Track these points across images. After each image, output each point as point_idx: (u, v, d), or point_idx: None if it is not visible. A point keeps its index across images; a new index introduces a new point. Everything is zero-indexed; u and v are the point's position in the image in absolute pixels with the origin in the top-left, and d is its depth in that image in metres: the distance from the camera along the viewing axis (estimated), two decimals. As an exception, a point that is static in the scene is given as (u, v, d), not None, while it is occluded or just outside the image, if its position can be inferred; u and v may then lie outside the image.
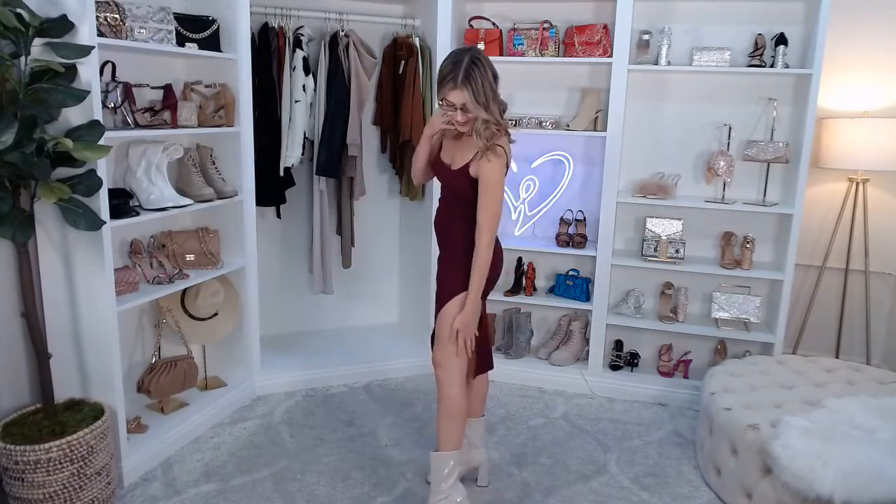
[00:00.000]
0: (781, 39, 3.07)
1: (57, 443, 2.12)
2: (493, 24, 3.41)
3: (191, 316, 3.00)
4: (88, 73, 2.17)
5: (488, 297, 2.44)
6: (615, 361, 3.53)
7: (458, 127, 2.14)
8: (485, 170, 2.12)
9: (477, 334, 2.26)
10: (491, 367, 2.48)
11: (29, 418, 2.27)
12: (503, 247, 3.44)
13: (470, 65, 2.02)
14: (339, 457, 2.74)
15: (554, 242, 3.52)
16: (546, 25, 3.30)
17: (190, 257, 2.92)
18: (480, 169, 2.13)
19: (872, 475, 1.99)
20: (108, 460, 2.31)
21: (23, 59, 2.04)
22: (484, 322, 2.39)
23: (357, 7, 3.45)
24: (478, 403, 2.52)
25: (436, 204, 2.41)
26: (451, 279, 2.25)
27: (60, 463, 2.13)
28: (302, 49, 3.25)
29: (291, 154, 3.30)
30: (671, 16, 3.29)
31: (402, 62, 3.46)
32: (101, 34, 2.24)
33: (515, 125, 3.39)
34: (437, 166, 2.33)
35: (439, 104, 2.15)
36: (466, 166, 2.17)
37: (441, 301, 2.28)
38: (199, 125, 2.82)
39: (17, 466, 2.10)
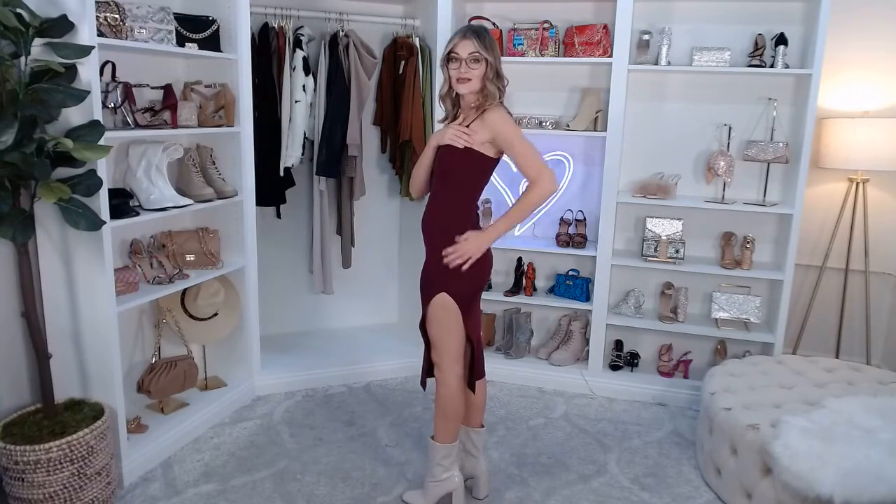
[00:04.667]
0: (781, 39, 3.07)
1: (57, 443, 2.12)
2: (493, 24, 3.41)
3: (191, 316, 3.00)
4: (88, 73, 2.17)
5: (482, 299, 2.38)
6: (615, 361, 3.53)
7: (461, 86, 2.10)
8: (495, 125, 2.07)
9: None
10: (482, 375, 2.41)
11: (29, 418, 2.27)
12: (504, 247, 3.52)
13: (479, 26, 2.16)
14: (339, 457, 2.74)
15: (554, 242, 3.52)
16: (546, 25, 3.30)
17: (190, 257, 2.92)
18: (490, 127, 2.07)
19: (872, 475, 1.99)
20: (108, 460, 2.30)
21: (23, 59, 2.04)
22: (477, 325, 2.34)
23: (357, 7, 3.45)
24: (475, 413, 2.42)
25: None
26: (436, 273, 2.16)
27: (60, 463, 2.13)
28: (302, 49, 3.25)
29: (291, 154, 3.30)
30: (671, 16, 3.29)
31: (402, 62, 3.46)
32: (101, 34, 2.24)
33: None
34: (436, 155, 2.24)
35: (442, 66, 2.15)
36: None
37: (426, 299, 2.22)
38: (199, 125, 2.82)
39: (17, 466, 2.10)
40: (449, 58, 2.11)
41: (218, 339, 3.12)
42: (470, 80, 2.08)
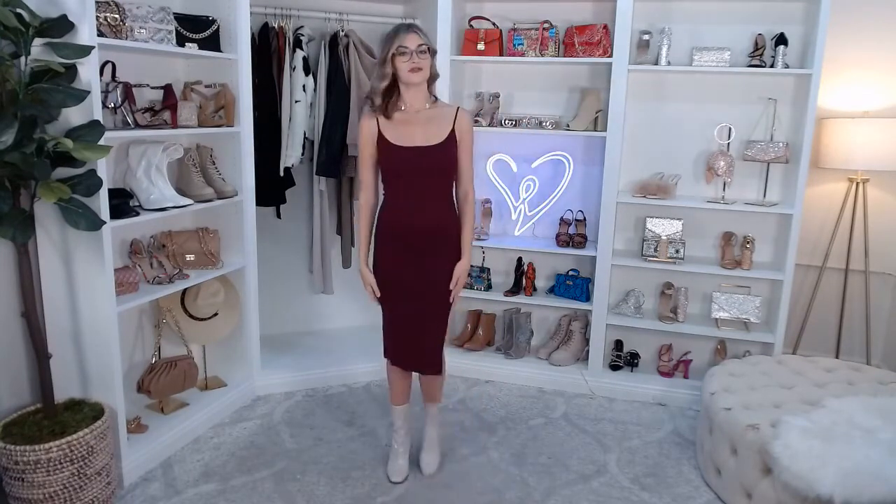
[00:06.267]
0: (781, 39, 3.07)
1: (57, 443, 2.12)
2: (493, 24, 3.41)
3: (191, 316, 3.00)
4: (88, 73, 2.17)
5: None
6: (615, 361, 3.53)
7: (415, 76, 2.23)
8: (467, 125, 2.34)
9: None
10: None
11: (29, 418, 2.27)
12: (504, 247, 3.54)
13: (413, 23, 2.48)
14: (339, 457, 2.74)
15: (554, 242, 3.52)
16: (546, 25, 3.30)
17: (190, 257, 2.92)
18: (463, 127, 2.33)
19: (872, 475, 1.99)
20: (108, 460, 2.31)
21: (23, 59, 2.04)
22: None
23: (357, 7, 3.45)
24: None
25: None
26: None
27: (60, 463, 2.13)
28: (302, 49, 3.25)
29: (291, 154, 3.30)
30: (671, 16, 3.29)
31: (402, 62, 3.46)
32: (101, 34, 2.24)
33: (515, 125, 3.40)
34: (401, 154, 2.34)
35: (384, 63, 2.24)
36: (452, 133, 2.32)
37: (450, 295, 2.43)
38: (199, 125, 2.82)
39: (17, 466, 2.10)
40: (396, 52, 2.22)
41: (218, 339, 3.12)
42: (422, 69, 2.25)
